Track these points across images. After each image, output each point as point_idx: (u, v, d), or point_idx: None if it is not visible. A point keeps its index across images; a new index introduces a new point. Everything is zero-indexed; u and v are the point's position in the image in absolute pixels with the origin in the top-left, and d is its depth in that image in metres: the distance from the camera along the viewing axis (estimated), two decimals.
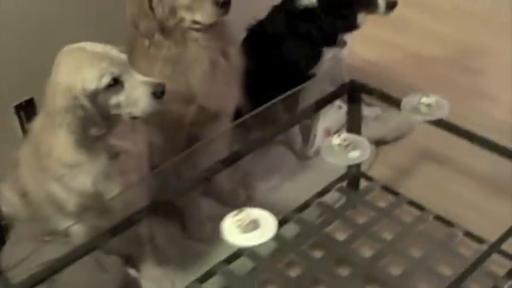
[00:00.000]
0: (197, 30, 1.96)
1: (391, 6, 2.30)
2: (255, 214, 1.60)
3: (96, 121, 1.68)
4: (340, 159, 1.85)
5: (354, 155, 1.82)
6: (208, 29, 1.97)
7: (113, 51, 1.68)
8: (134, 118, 1.73)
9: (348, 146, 1.83)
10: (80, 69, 1.64)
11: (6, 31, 2.15)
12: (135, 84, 1.67)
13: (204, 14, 1.93)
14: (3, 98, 2.20)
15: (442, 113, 1.91)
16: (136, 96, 1.67)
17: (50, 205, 1.88)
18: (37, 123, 1.80)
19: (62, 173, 1.76)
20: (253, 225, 1.59)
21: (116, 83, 1.66)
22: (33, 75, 2.19)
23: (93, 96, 1.65)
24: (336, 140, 1.83)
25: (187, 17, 1.94)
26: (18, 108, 2.25)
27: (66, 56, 1.70)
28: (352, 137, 1.87)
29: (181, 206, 2.21)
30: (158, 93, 1.68)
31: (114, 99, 1.67)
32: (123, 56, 1.69)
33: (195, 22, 1.95)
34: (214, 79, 2.04)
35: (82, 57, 1.67)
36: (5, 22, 2.14)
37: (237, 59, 2.14)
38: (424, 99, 1.91)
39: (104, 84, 1.64)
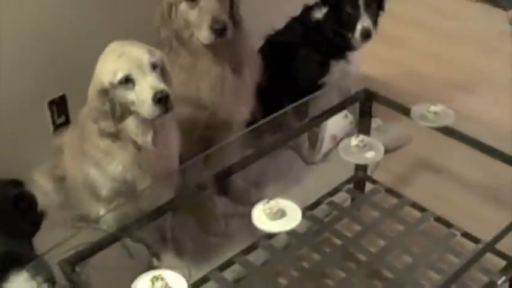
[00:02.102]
0: (205, 46, 2.08)
1: (364, 35, 2.45)
2: (282, 204, 1.76)
3: (107, 117, 1.80)
4: (357, 158, 2.02)
5: (370, 155, 1.99)
6: (218, 45, 2.08)
7: (138, 52, 1.76)
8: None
9: (364, 147, 1.99)
10: (104, 63, 1.80)
11: (42, 34, 2.28)
12: (144, 86, 1.75)
13: (202, 36, 2.06)
14: (37, 94, 2.32)
15: (449, 121, 2.07)
16: (141, 97, 1.76)
17: (86, 189, 2.01)
18: (84, 110, 1.91)
19: (99, 157, 1.89)
20: (281, 213, 1.74)
21: (128, 81, 1.76)
22: (66, 73, 2.34)
23: (109, 89, 1.78)
24: (354, 141, 1.99)
25: (195, 32, 2.08)
26: (51, 103, 2.38)
27: (106, 49, 1.83)
28: (368, 139, 2.02)
29: (198, 203, 2.33)
30: (156, 98, 1.73)
31: (128, 96, 1.78)
32: (146, 58, 1.76)
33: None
34: (222, 92, 2.16)
35: (111, 53, 1.80)
36: (40, 26, 2.27)
37: (250, 77, 2.25)
38: (432, 108, 2.07)
39: (117, 79, 1.76)
